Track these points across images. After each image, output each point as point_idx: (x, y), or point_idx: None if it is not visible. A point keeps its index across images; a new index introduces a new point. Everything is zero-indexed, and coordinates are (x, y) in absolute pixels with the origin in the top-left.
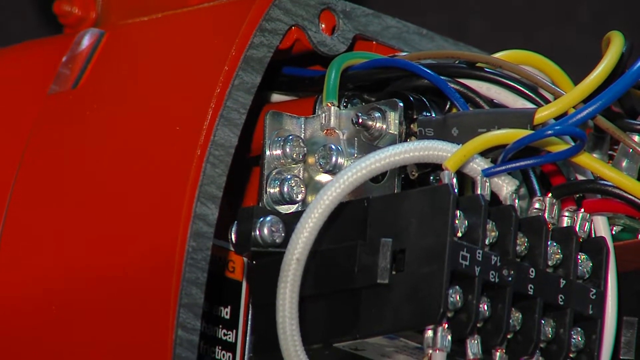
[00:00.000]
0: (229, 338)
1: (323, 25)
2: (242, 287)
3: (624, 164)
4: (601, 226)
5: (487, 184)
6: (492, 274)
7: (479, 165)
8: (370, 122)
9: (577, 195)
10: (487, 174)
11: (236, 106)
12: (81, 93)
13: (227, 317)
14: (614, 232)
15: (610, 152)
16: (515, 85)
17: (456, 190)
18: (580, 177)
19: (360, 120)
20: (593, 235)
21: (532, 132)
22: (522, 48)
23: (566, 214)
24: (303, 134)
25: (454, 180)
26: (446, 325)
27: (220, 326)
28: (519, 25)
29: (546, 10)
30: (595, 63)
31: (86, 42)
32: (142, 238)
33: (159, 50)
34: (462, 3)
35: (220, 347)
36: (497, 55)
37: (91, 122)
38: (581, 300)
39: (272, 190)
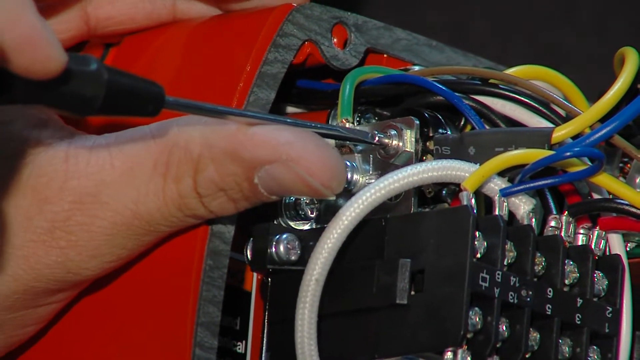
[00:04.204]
0: (239, 349)
1: (335, 40)
2: (251, 297)
3: (637, 180)
4: (616, 243)
5: (505, 204)
6: (511, 295)
7: (497, 185)
8: (386, 140)
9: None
10: (504, 193)
11: None
12: None
13: (237, 327)
14: (628, 249)
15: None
16: (530, 102)
17: (475, 211)
18: (596, 195)
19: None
20: (608, 253)
21: (551, 152)
22: (522, 49)
23: (581, 231)
24: None
25: (473, 200)
26: (466, 347)
27: (229, 337)
28: (520, 26)
29: (547, 10)
30: (596, 64)
31: (96, 52)
32: (159, 257)
33: (171, 65)
34: (463, 3)
35: (230, 358)
36: (510, 71)
37: None
38: (597, 318)
39: (286, 207)
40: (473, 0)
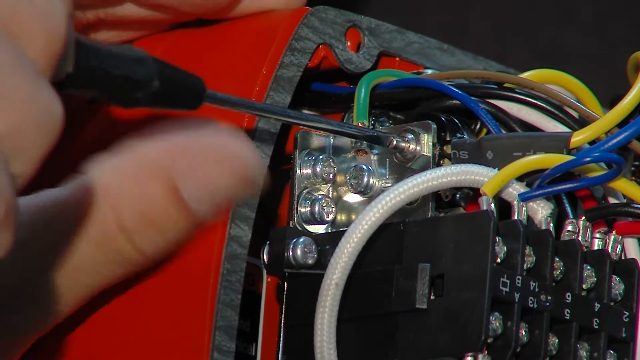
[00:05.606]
0: (249, 351)
1: (349, 43)
2: (261, 299)
3: None
4: (632, 248)
5: (524, 208)
6: (531, 300)
7: (515, 190)
8: (403, 144)
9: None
10: (523, 198)
11: (268, 127)
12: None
13: (247, 330)
14: None
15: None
16: (547, 106)
17: (495, 215)
18: (611, 199)
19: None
20: (623, 257)
21: (571, 157)
22: (522, 49)
23: (597, 235)
24: (333, 154)
25: (492, 205)
26: (486, 352)
27: (241, 339)
28: (520, 26)
29: (547, 10)
30: (596, 64)
31: None
32: (176, 261)
33: (185, 67)
34: (462, 3)
35: None
36: (525, 74)
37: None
38: (615, 323)
39: (303, 210)
40: (473, 1)
